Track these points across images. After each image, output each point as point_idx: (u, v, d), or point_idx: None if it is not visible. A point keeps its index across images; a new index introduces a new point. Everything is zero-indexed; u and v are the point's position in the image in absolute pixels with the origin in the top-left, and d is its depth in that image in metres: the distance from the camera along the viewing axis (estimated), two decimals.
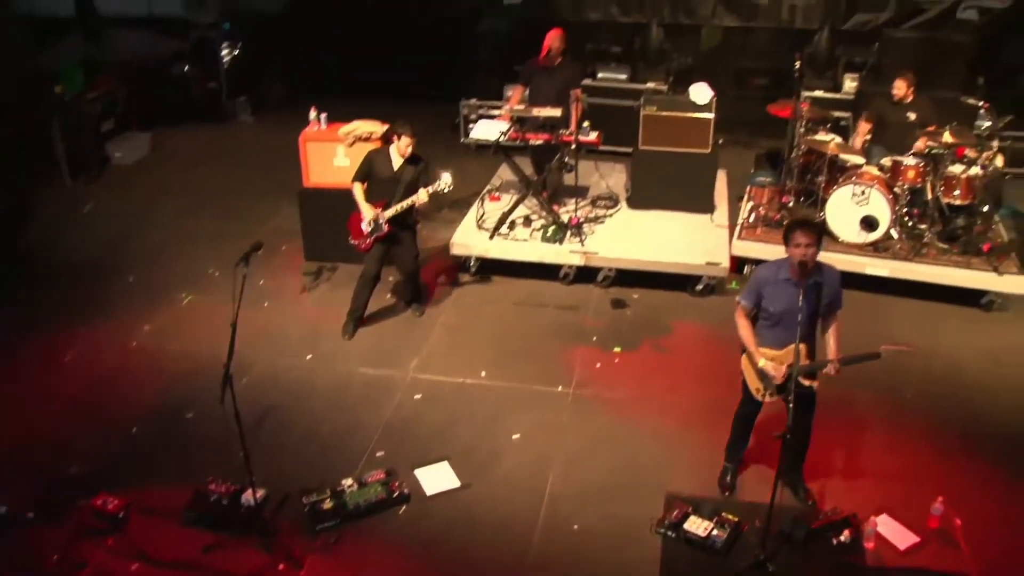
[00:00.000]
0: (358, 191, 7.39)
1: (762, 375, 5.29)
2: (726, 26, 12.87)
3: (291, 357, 7.37)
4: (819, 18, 12.12)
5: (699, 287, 8.34)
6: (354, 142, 8.54)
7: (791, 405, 4.81)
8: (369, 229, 7.39)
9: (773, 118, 11.23)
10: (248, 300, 5.32)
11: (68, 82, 11.28)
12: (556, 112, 8.45)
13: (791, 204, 8.90)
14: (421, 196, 7.21)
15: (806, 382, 5.17)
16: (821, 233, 5.11)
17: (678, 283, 8.40)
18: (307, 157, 8.70)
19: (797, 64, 8.82)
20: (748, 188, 9.53)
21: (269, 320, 7.90)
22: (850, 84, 11.27)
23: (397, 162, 7.39)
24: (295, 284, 8.63)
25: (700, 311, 8.15)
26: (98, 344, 7.56)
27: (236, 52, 13.55)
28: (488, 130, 8.80)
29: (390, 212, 7.30)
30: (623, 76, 11.70)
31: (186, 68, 13.18)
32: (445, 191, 7.33)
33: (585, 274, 8.56)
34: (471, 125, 11.57)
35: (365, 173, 7.44)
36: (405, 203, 7.27)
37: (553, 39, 8.73)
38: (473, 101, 11.82)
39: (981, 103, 8.40)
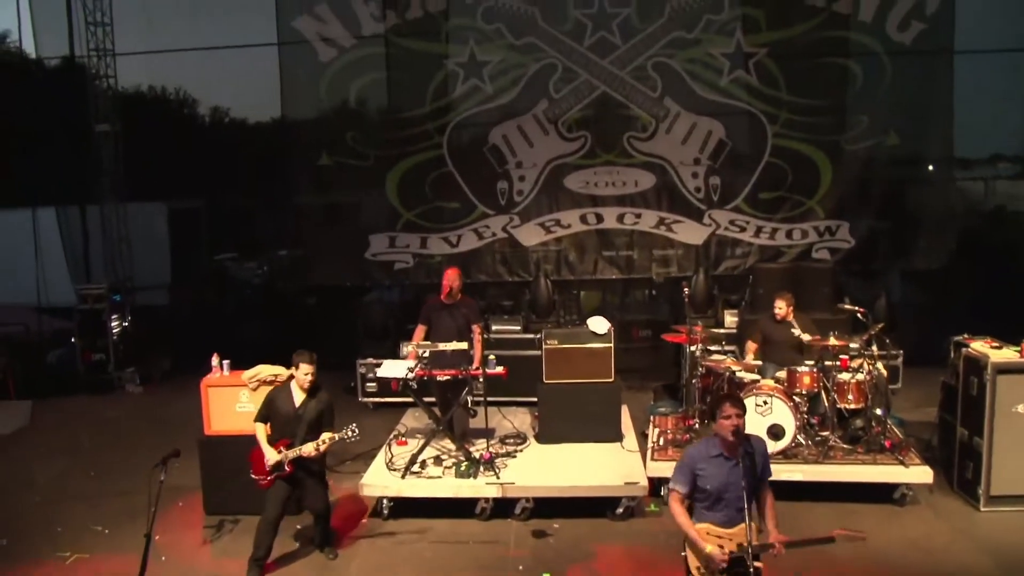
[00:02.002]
0: (260, 432, 7.17)
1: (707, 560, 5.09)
2: (606, 281, 13.74)
3: None
4: (692, 266, 13.11)
5: (619, 510, 8.17)
6: (258, 386, 8.34)
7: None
8: (271, 466, 7.08)
9: (663, 363, 11.81)
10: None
11: None
12: (463, 346, 8.58)
13: (696, 426, 9.07)
14: (324, 440, 7.05)
15: (755, 564, 4.99)
16: (745, 406, 5.20)
17: (597, 510, 8.21)
18: (208, 403, 8.41)
19: (685, 291, 9.40)
20: (651, 418, 9.71)
21: (167, 574, 7.22)
22: (730, 319, 11.99)
23: (299, 397, 7.19)
24: (194, 538, 8.01)
25: (622, 535, 7.94)
26: None
27: (125, 324, 13.43)
28: (394, 369, 8.79)
29: (293, 453, 7.02)
30: (517, 327, 12.06)
31: (72, 340, 13.06)
32: (350, 440, 7.16)
33: (502, 509, 8.28)
34: (368, 384, 11.65)
35: (266, 414, 7.22)
36: (308, 447, 7.00)
37: (453, 278, 9.05)
38: (369, 360, 11.86)
39: (857, 309, 9.04)
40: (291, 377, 7.32)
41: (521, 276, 13.52)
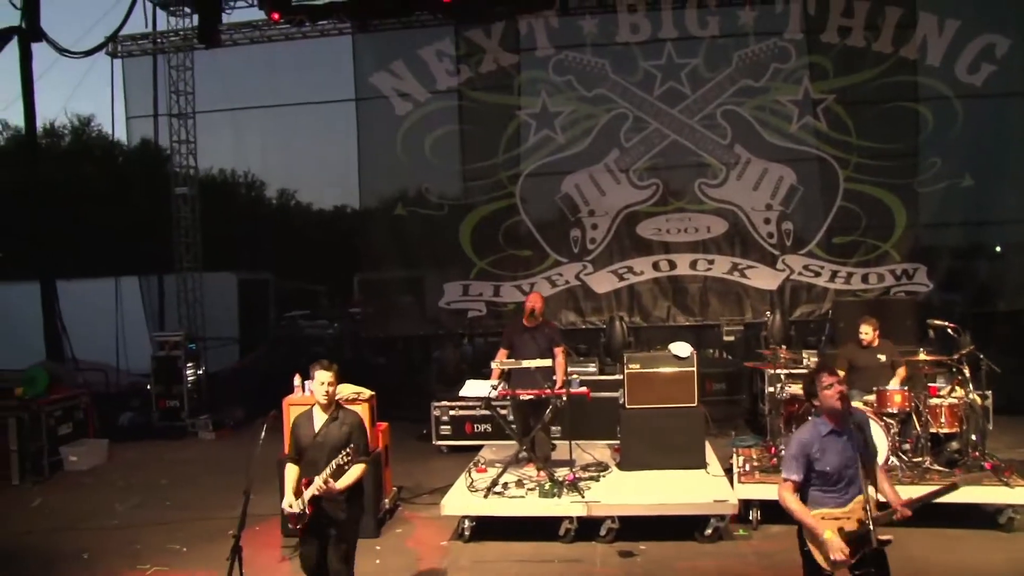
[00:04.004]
0: (288, 475, 5.75)
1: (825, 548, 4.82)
2: (679, 334, 13.60)
3: None
4: (765, 310, 12.99)
5: (707, 531, 7.91)
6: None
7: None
8: (294, 512, 5.61)
9: (738, 415, 11.55)
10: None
11: (29, 385, 11.36)
12: (547, 362, 8.56)
13: (783, 452, 8.82)
14: (333, 467, 5.46)
15: (881, 537, 4.68)
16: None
17: (685, 532, 7.95)
18: (290, 421, 8.41)
19: (767, 314, 9.28)
20: (735, 450, 9.49)
21: None
22: (808, 358, 11.76)
23: (319, 420, 5.73)
24: (272, 556, 7.93)
25: (711, 555, 7.66)
26: None
27: (199, 372, 13.67)
28: (478, 388, 8.76)
29: (309, 492, 5.49)
30: (592, 369, 11.98)
31: (148, 387, 13.41)
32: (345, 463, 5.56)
33: (586, 531, 8.05)
34: (442, 427, 11.62)
35: (294, 448, 5.77)
36: (318, 480, 5.46)
37: (536, 301, 9.09)
38: (444, 403, 11.86)
39: (948, 324, 8.82)
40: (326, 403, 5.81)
41: (594, 324, 13.54)
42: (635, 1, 13.47)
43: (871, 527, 4.57)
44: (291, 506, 5.55)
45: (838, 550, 4.67)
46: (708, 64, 13.46)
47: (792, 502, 4.89)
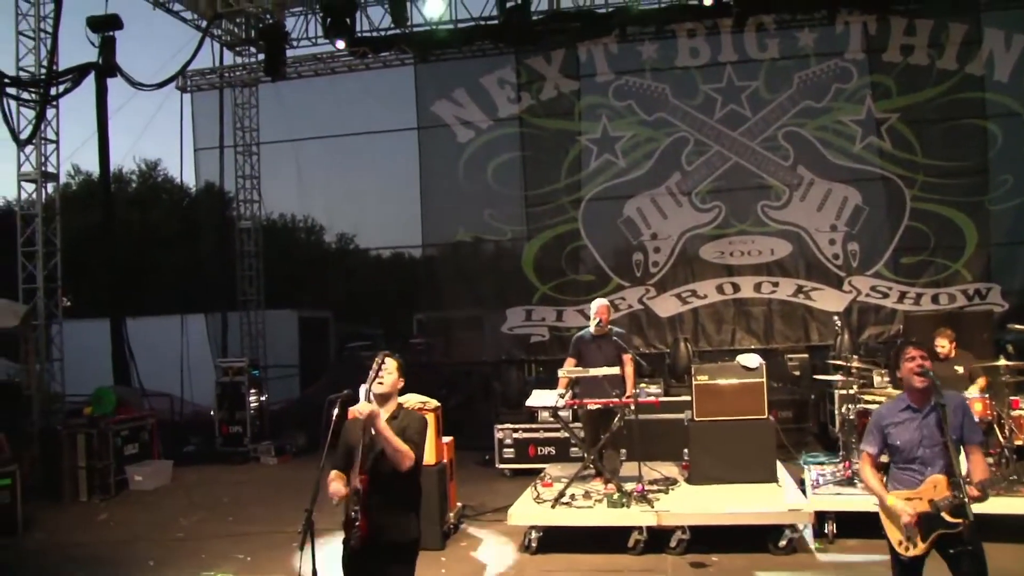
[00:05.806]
0: (335, 481, 4.82)
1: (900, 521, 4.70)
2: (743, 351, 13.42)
3: None
4: (833, 334, 12.71)
5: (781, 543, 7.68)
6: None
7: (952, 551, 4.40)
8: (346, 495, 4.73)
9: (805, 443, 11.32)
10: None
11: (97, 404, 11.67)
12: (615, 370, 8.48)
13: (856, 464, 8.59)
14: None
15: (951, 519, 4.53)
16: (933, 356, 4.96)
17: (757, 544, 7.74)
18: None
19: (838, 323, 9.11)
20: (806, 467, 9.26)
21: None
22: (879, 379, 11.47)
23: None
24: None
25: (786, 567, 7.44)
26: None
27: (263, 399, 13.90)
28: (544, 398, 8.70)
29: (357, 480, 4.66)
30: (657, 390, 11.81)
31: (212, 412, 13.71)
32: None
33: (655, 543, 7.88)
34: (505, 449, 11.54)
35: (342, 454, 4.86)
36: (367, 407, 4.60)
37: (603, 310, 9.03)
38: (507, 426, 11.79)
39: None
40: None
41: (658, 348, 13.44)
42: (694, 26, 13.58)
43: (965, 499, 4.38)
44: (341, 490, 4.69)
45: (903, 511, 4.58)
46: (769, 86, 13.48)
47: (867, 472, 4.89)
